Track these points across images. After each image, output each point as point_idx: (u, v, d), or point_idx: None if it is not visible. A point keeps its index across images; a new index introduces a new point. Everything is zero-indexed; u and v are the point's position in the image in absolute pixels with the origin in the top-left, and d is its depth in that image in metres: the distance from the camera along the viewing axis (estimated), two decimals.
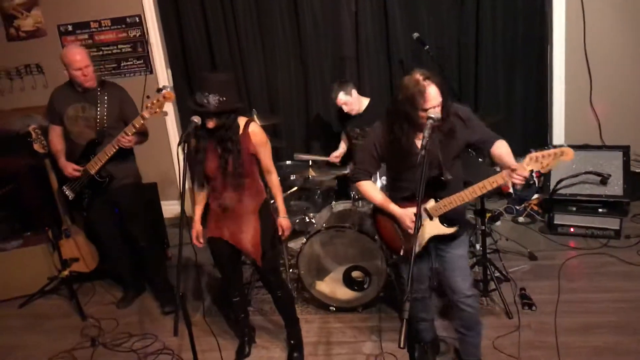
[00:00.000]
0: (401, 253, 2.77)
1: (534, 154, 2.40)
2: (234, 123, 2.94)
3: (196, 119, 2.80)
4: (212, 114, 2.80)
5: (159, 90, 3.43)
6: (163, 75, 5.52)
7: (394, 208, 2.75)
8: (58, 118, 3.83)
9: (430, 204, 2.70)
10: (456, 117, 2.59)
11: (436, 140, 2.53)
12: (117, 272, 4.38)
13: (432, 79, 2.46)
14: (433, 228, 2.74)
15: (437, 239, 2.76)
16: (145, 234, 4.05)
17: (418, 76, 2.46)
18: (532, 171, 2.42)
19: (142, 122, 3.54)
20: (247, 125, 3.00)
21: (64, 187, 3.90)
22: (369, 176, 2.86)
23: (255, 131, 3.02)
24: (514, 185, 2.44)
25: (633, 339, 3.17)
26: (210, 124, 2.86)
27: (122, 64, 5.55)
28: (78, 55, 3.66)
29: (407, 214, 2.68)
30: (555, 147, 2.51)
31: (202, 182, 3.07)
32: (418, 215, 2.29)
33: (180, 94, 5.55)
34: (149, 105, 3.43)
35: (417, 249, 2.65)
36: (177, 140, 5.53)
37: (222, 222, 3.12)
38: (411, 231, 2.60)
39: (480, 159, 3.94)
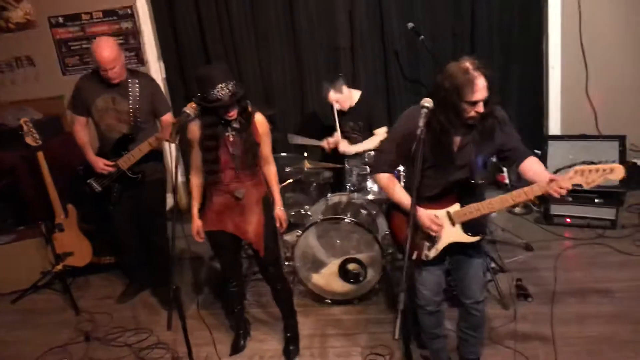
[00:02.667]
0: (414, 257, 2.58)
1: (579, 168, 2.25)
2: (247, 107, 2.93)
3: (189, 110, 2.77)
4: (233, 103, 2.78)
5: None
6: (155, 67, 5.47)
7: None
8: (85, 109, 3.69)
9: (455, 208, 2.51)
10: (494, 119, 2.41)
11: (471, 139, 2.42)
12: (128, 265, 4.33)
13: (481, 70, 2.26)
14: (454, 234, 2.55)
15: (454, 247, 2.59)
16: (163, 231, 3.97)
17: (467, 64, 2.27)
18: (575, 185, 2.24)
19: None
20: (252, 114, 2.99)
21: (90, 180, 3.78)
22: (392, 169, 2.65)
23: (261, 120, 3.02)
24: (551, 196, 2.26)
25: (629, 329, 3.16)
26: (233, 114, 2.84)
27: None
28: (106, 54, 3.44)
29: (428, 214, 2.50)
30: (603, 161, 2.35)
31: (210, 170, 2.99)
32: (412, 214, 2.17)
33: (173, 86, 5.52)
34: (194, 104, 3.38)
35: (432, 253, 2.58)
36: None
37: (225, 214, 3.09)
38: (432, 233, 2.51)
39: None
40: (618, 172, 2.21)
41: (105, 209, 3.90)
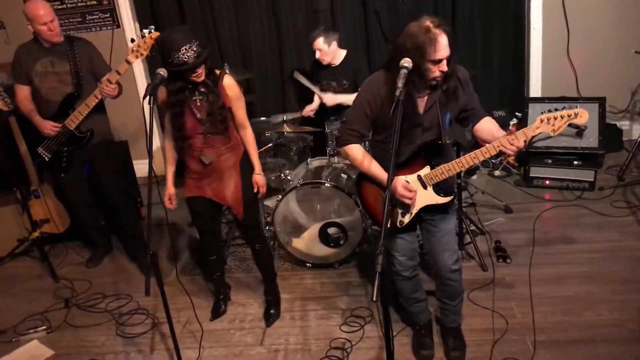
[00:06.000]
0: (388, 226, 2.50)
1: (544, 116, 2.24)
2: (213, 67, 2.89)
3: (162, 72, 2.69)
4: (199, 63, 2.72)
5: (144, 32, 3.21)
6: (131, 29, 5.31)
7: (384, 175, 2.48)
8: (25, 77, 3.65)
9: (425, 171, 2.48)
10: (457, 78, 2.38)
11: (436, 100, 2.37)
12: (86, 233, 4.32)
13: (442, 27, 2.21)
14: (427, 197, 2.51)
15: (427, 210, 2.56)
16: (120, 193, 3.98)
17: (428, 23, 2.21)
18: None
19: (127, 67, 3.39)
20: (220, 78, 2.92)
21: (39, 148, 3.72)
22: (360, 139, 2.56)
23: (230, 84, 2.95)
24: (511, 152, 2.28)
25: (604, 288, 3.22)
26: (202, 76, 2.80)
27: (87, 18, 5.32)
28: (42, 10, 3.47)
29: (402, 182, 2.45)
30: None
31: (179, 136, 2.95)
32: (390, 180, 2.08)
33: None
34: (134, 48, 3.24)
35: (407, 219, 2.55)
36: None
37: (203, 180, 3.06)
38: (406, 201, 2.46)
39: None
40: (583, 116, 2.21)
41: (57, 179, 3.93)
